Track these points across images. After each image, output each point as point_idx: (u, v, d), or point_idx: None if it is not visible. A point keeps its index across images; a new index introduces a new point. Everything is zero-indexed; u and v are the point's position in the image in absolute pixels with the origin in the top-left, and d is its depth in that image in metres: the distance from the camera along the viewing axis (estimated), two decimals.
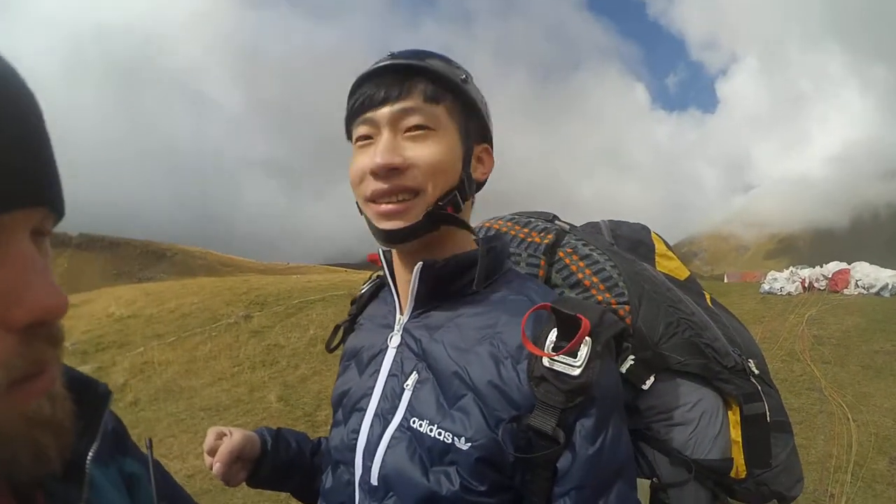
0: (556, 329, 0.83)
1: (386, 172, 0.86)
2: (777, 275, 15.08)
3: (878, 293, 13.28)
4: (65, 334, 0.49)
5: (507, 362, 0.83)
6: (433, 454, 0.83)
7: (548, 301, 0.86)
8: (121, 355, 9.78)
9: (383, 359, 0.96)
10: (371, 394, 0.94)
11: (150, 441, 0.73)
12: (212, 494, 5.17)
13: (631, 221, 1.36)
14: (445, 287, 0.93)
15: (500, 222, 1.19)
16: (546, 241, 1.12)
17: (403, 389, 0.90)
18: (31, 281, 0.44)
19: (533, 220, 1.20)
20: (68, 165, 0.50)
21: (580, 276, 1.08)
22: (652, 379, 1.00)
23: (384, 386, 0.93)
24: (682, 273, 1.29)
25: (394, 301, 1.00)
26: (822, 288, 14.56)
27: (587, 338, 0.80)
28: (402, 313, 0.98)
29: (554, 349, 0.81)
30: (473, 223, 0.99)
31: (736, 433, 1.06)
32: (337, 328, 1.16)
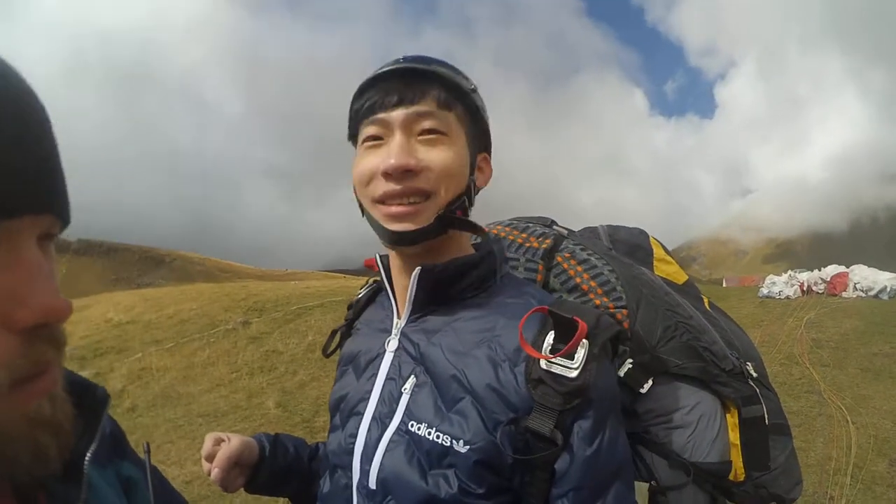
0: (553, 332, 0.83)
1: (400, 174, 0.85)
2: (776, 279, 15.11)
3: (876, 296, 13.31)
4: (66, 337, 0.50)
5: (505, 365, 0.84)
6: (431, 457, 0.83)
7: (545, 304, 0.86)
8: (119, 361, 9.76)
9: (381, 363, 0.96)
10: (369, 398, 0.94)
11: (148, 445, 0.73)
12: (210, 500, 5.15)
13: (629, 226, 1.37)
14: (443, 291, 0.93)
15: (498, 227, 1.19)
16: (544, 245, 1.13)
17: (401, 393, 0.90)
18: (37, 284, 0.45)
19: (531, 225, 1.20)
20: (67, 169, 0.51)
21: (578, 280, 1.08)
22: (650, 382, 1.01)
23: (382, 390, 0.93)
24: (681, 277, 1.29)
25: (391, 305, 1.00)
26: (820, 291, 14.59)
27: (584, 340, 0.81)
28: (399, 317, 0.98)
29: (551, 352, 0.82)
30: None
31: (734, 436, 1.07)
32: (334, 333, 1.17)
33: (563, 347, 0.80)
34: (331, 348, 1.16)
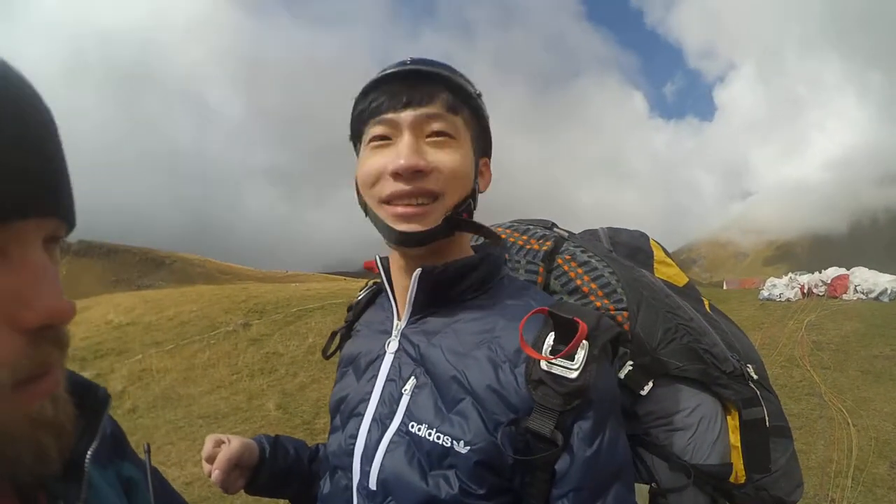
0: (553, 333, 0.83)
1: (410, 174, 0.85)
2: (776, 281, 15.11)
3: (876, 298, 13.30)
4: (70, 339, 0.51)
5: (506, 366, 0.84)
6: (432, 458, 0.83)
7: (545, 306, 0.86)
8: (119, 362, 9.76)
9: (381, 364, 0.96)
10: (369, 399, 0.94)
11: (148, 446, 0.73)
12: (210, 502, 5.15)
13: (629, 229, 1.37)
14: (444, 293, 0.93)
15: (499, 229, 1.19)
16: (545, 248, 1.13)
17: (402, 394, 0.90)
18: (42, 286, 0.46)
19: (532, 227, 1.20)
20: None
21: (578, 282, 1.08)
22: (650, 384, 1.01)
23: (382, 391, 0.93)
24: (681, 280, 1.29)
25: (391, 307, 1.00)
26: (820, 294, 14.58)
27: (584, 341, 0.81)
28: (399, 319, 0.98)
29: (551, 353, 0.82)
30: None
31: (735, 438, 1.07)
32: (333, 335, 1.17)
33: (564, 349, 0.80)
34: (330, 350, 1.16)
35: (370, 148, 0.90)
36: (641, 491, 0.95)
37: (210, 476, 1.05)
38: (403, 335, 0.95)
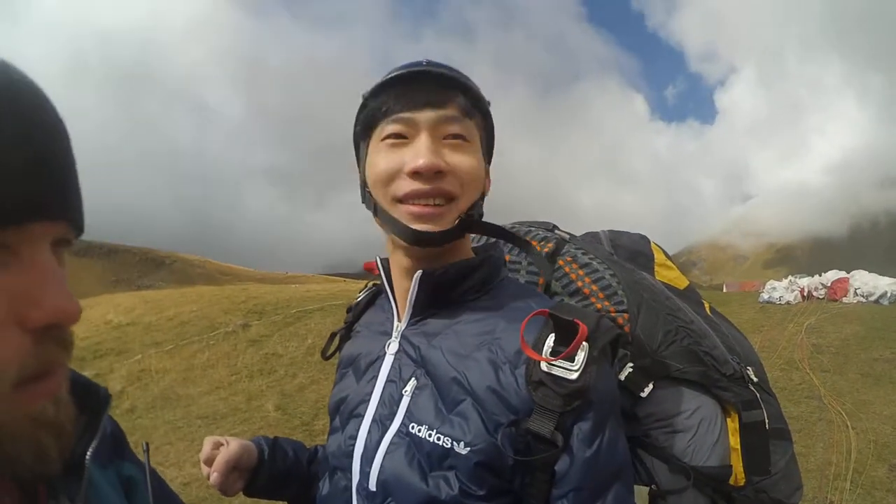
0: (553, 335, 0.83)
1: (431, 174, 0.85)
2: (776, 284, 15.10)
3: (876, 301, 13.30)
4: (74, 340, 0.51)
5: (506, 367, 0.84)
6: (432, 459, 0.83)
7: (545, 308, 0.86)
8: (118, 362, 9.75)
9: (381, 365, 0.96)
10: (369, 400, 0.94)
11: (147, 445, 0.73)
12: (208, 503, 5.14)
13: (630, 231, 1.37)
14: (444, 294, 0.93)
15: None
16: (546, 249, 1.13)
17: (402, 395, 0.90)
18: (50, 286, 0.47)
19: (533, 229, 1.20)
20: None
21: (579, 284, 1.08)
22: (651, 386, 1.01)
23: (382, 392, 0.93)
24: (682, 282, 1.29)
25: (391, 308, 1.00)
26: (820, 297, 14.57)
27: (584, 343, 0.81)
28: (399, 320, 0.98)
29: (552, 354, 0.82)
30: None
31: (735, 440, 1.06)
32: (333, 336, 1.17)
33: (564, 350, 0.80)
34: (330, 351, 1.16)
35: (385, 145, 0.89)
36: (641, 493, 0.95)
37: (209, 478, 1.05)
38: (404, 336, 0.95)
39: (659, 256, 1.31)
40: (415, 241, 0.88)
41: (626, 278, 1.10)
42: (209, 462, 1.05)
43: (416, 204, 0.86)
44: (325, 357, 1.15)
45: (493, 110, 0.99)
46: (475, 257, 0.95)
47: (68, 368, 0.53)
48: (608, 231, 1.36)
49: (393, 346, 0.96)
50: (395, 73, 0.89)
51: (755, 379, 1.14)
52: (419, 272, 0.91)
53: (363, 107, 0.93)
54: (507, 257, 1.11)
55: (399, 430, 0.88)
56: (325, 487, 0.99)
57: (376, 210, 0.92)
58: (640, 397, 1.00)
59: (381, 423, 0.90)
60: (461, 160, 0.88)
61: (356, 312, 1.15)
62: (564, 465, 0.79)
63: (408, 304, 0.95)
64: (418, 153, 0.85)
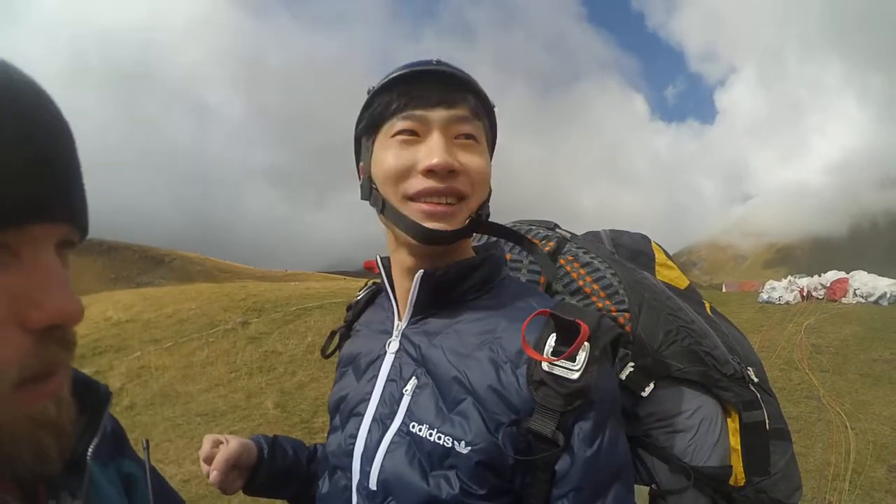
0: (555, 334, 0.83)
1: (445, 173, 0.85)
2: (775, 284, 15.10)
3: (876, 302, 13.30)
4: (76, 340, 0.52)
5: (507, 367, 0.84)
6: (433, 458, 0.83)
7: (547, 307, 0.86)
8: (118, 360, 9.76)
9: (381, 364, 0.96)
10: (369, 399, 0.94)
11: (147, 442, 0.74)
12: (207, 500, 5.15)
13: (631, 231, 1.37)
14: (445, 294, 0.93)
15: None
16: (547, 248, 1.13)
17: (402, 394, 0.90)
18: (52, 287, 0.47)
19: (534, 227, 1.20)
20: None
21: (581, 283, 1.08)
22: (651, 386, 1.01)
23: (383, 391, 0.93)
24: (682, 282, 1.29)
25: (392, 307, 1.00)
26: (820, 297, 14.58)
27: (585, 343, 0.81)
28: (400, 319, 0.97)
29: (553, 354, 0.81)
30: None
31: (735, 441, 1.06)
32: (333, 334, 1.16)
33: (565, 350, 0.80)
34: (330, 349, 1.15)
35: (396, 142, 0.88)
36: (641, 492, 0.95)
37: (208, 476, 1.05)
38: (404, 335, 0.95)
39: (660, 256, 1.31)
40: (426, 239, 0.87)
41: (627, 278, 1.10)
42: (209, 460, 1.05)
43: (428, 202, 0.86)
44: (325, 355, 1.15)
45: (494, 111, 0.99)
46: (476, 256, 0.95)
47: (70, 368, 0.53)
48: (609, 230, 1.36)
49: (393, 345, 0.96)
50: (405, 71, 0.89)
51: (755, 379, 1.14)
52: (420, 272, 0.90)
53: (369, 102, 0.92)
54: (508, 256, 1.11)
55: (399, 430, 0.88)
56: (324, 486, 0.99)
57: (384, 207, 0.91)
58: (641, 397, 1.00)
59: (381, 422, 0.90)
60: (472, 160, 0.88)
61: (356, 311, 1.15)
62: (565, 464, 0.79)
63: (408, 303, 0.95)
64: (432, 151, 0.85)
